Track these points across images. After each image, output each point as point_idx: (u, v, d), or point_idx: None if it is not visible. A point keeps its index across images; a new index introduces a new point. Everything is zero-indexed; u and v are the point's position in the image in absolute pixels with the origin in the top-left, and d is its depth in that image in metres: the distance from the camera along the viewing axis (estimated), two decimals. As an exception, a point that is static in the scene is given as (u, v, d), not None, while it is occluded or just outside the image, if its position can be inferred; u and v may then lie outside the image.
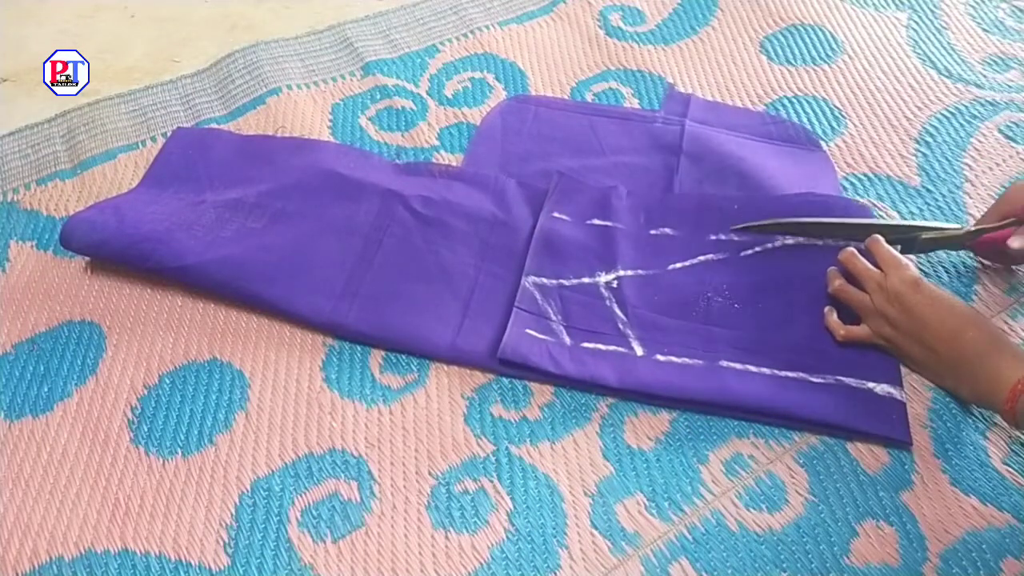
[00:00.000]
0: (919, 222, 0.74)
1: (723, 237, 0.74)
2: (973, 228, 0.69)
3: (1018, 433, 0.61)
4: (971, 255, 0.73)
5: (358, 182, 0.78)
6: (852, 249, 0.67)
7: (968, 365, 0.59)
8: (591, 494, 0.60)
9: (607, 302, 0.70)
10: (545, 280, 0.71)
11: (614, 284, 0.71)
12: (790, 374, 0.64)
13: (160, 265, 0.71)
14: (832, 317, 0.66)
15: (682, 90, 0.91)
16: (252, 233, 0.74)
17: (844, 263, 0.67)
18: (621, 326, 0.68)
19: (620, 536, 0.57)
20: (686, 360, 0.66)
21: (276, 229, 0.74)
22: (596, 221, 0.75)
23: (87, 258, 0.75)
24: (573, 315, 0.69)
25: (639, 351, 0.66)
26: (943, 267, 0.73)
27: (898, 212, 0.77)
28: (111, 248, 0.72)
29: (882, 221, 0.74)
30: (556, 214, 0.76)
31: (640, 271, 0.72)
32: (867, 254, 0.67)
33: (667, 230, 0.75)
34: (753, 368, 0.65)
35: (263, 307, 0.70)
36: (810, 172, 0.81)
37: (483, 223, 0.76)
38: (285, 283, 0.70)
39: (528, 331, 0.67)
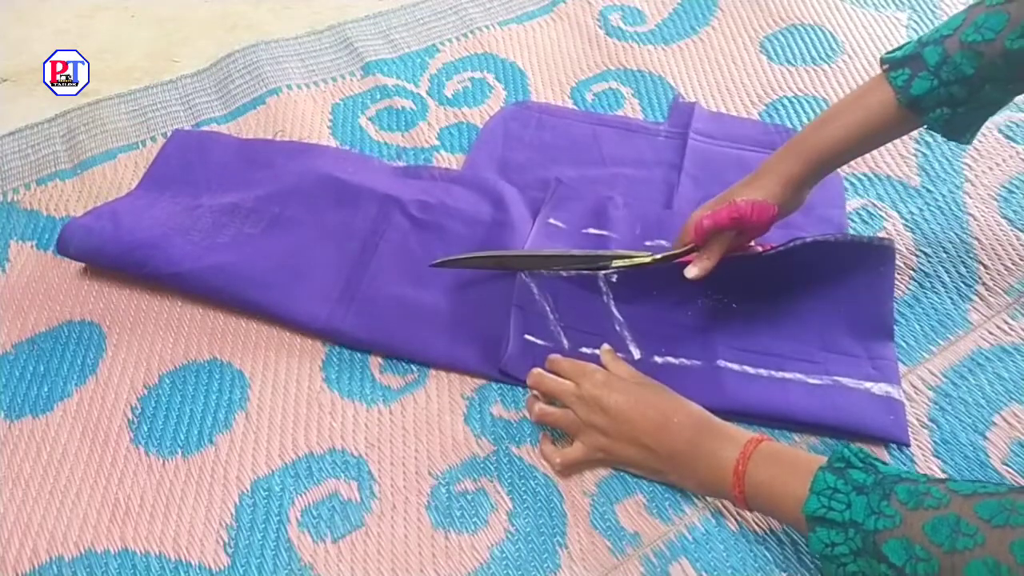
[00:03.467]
0: (607, 251, 0.71)
1: None
2: (659, 256, 0.66)
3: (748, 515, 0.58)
4: (973, 256, 0.73)
5: (355, 187, 0.78)
6: (538, 370, 0.62)
7: (683, 456, 0.55)
8: (591, 494, 0.59)
9: (604, 298, 0.69)
10: (542, 271, 0.69)
11: (613, 279, 0.70)
12: (788, 375, 0.64)
13: (157, 271, 0.71)
14: (546, 446, 0.61)
15: (684, 97, 0.90)
16: (249, 239, 0.74)
17: (536, 386, 0.61)
18: (618, 328, 0.68)
19: (620, 536, 0.57)
20: (684, 361, 0.66)
21: (273, 234, 0.74)
22: (592, 230, 0.75)
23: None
24: (570, 313, 0.68)
25: (636, 354, 0.66)
26: (943, 267, 0.73)
27: (898, 212, 0.77)
28: (108, 254, 0.72)
29: (574, 252, 0.70)
30: (552, 220, 0.76)
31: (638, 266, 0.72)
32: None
33: (663, 242, 0.74)
34: (751, 369, 0.65)
35: (260, 312, 0.70)
36: None
37: (480, 227, 0.75)
38: (282, 289, 0.70)
39: (527, 336, 0.67)
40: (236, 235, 0.74)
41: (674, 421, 0.56)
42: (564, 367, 0.62)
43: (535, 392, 0.62)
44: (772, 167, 0.63)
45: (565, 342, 0.67)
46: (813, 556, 0.55)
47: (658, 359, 0.66)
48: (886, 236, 0.75)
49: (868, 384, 0.63)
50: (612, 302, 0.69)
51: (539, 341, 0.67)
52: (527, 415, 0.63)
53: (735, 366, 0.65)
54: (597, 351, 0.66)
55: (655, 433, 0.56)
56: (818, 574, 0.55)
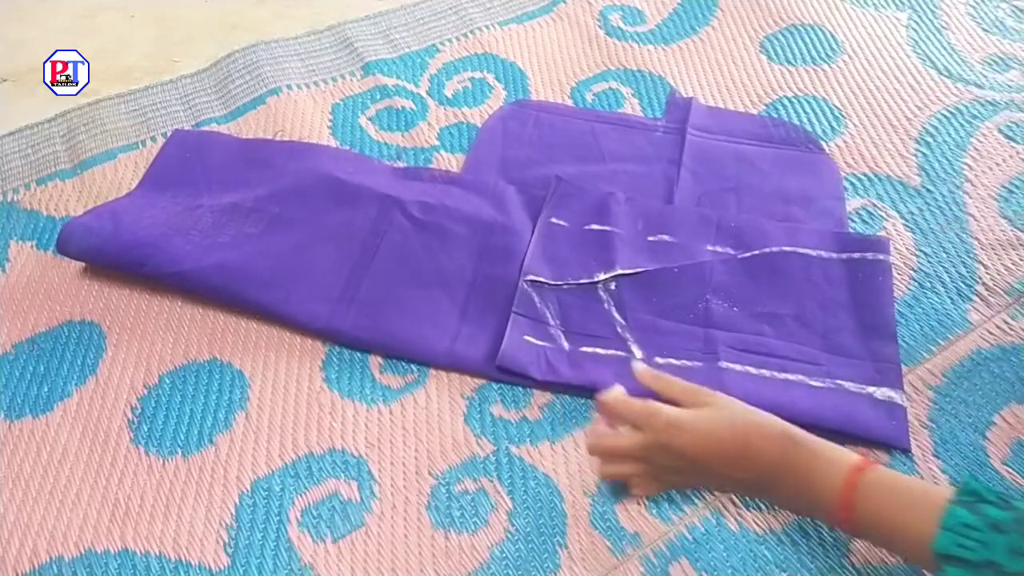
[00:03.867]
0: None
1: (719, 248, 0.73)
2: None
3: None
4: (973, 256, 0.73)
5: (356, 187, 0.78)
6: (593, 436, 0.57)
7: (768, 479, 0.51)
8: (591, 494, 0.59)
9: (605, 305, 0.70)
10: (543, 281, 0.71)
11: (612, 286, 0.71)
12: (790, 376, 0.64)
13: (157, 270, 0.71)
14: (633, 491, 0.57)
15: (682, 94, 0.91)
16: (249, 238, 0.74)
17: (597, 452, 0.57)
18: (619, 329, 0.68)
19: (620, 536, 0.57)
20: (685, 362, 0.66)
21: (273, 234, 0.74)
22: (594, 226, 0.75)
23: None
24: (571, 319, 0.69)
25: (638, 354, 0.66)
26: (943, 267, 0.73)
27: (898, 212, 0.77)
28: (108, 254, 0.72)
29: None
30: (554, 219, 0.76)
31: (638, 273, 0.72)
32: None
33: (665, 237, 0.74)
34: (753, 370, 0.65)
35: (260, 312, 0.70)
36: (810, 180, 0.80)
37: (481, 228, 0.75)
38: (282, 288, 0.70)
39: (526, 337, 0.67)
40: (236, 235, 0.74)
41: (753, 446, 0.51)
42: (620, 410, 0.56)
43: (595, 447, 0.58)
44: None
45: (565, 344, 0.67)
46: None
47: (660, 360, 0.66)
48: (884, 235, 0.74)
49: (871, 388, 0.63)
50: (612, 308, 0.69)
51: (538, 342, 0.67)
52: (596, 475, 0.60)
53: (737, 367, 0.65)
54: (599, 350, 0.66)
55: (734, 463, 0.51)
56: (818, 574, 0.55)
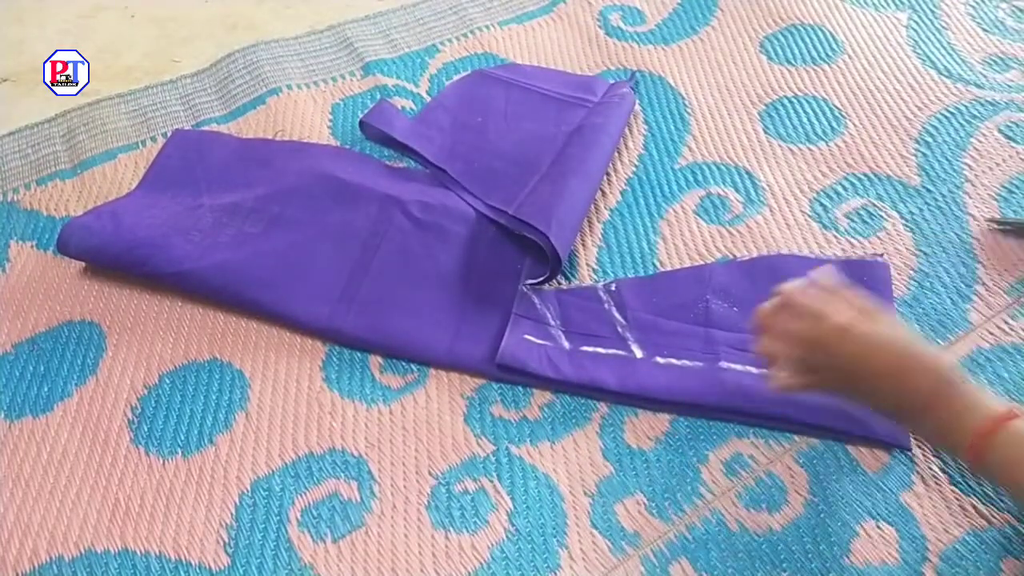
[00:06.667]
0: None
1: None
2: None
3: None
4: (973, 256, 0.73)
5: (356, 187, 0.78)
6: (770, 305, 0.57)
7: (918, 410, 0.52)
8: (591, 494, 0.59)
9: (606, 305, 0.70)
10: (543, 285, 0.71)
11: (612, 287, 0.71)
12: None
13: (157, 270, 0.71)
14: (777, 373, 0.55)
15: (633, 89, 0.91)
16: (249, 238, 0.74)
17: (762, 316, 0.56)
18: (620, 329, 0.68)
19: (620, 536, 0.57)
20: (686, 362, 0.66)
21: (274, 234, 0.74)
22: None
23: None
24: (571, 318, 0.69)
25: (639, 353, 0.66)
26: (943, 267, 0.73)
27: (898, 212, 0.77)
28: (108, 253, 0.72)
29: None
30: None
31: (639, 274, 0.72)
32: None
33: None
34: (754, 370, 0.64)
35: (260, 312, 0.70)
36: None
37: (481, 229, 0.75)
38: (282, 288, 0.70)
39: (527, 336, 0.67)
40: (237, 234, 0.74)
41: (909, 373, 0.52)
42: (797, 298, 0.55)
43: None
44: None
45: (566, 344, 0.67)
46: None
47: (660, 360, 0.66)
48: (882, 257, 0.73)
49: None
50: (613, 308, 0.69)
51: (538, 341, 0.67)
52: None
53: (738, 367, 0.65)
54: (600, 350, 0.66)
55: (886, 384, 0.52)
56: (820, 573, 0.55)
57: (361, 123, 0.85)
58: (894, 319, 0.55)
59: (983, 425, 0.49)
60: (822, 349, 0.53)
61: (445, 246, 0.74)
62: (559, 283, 0.72)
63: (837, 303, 0.54)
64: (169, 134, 0.86)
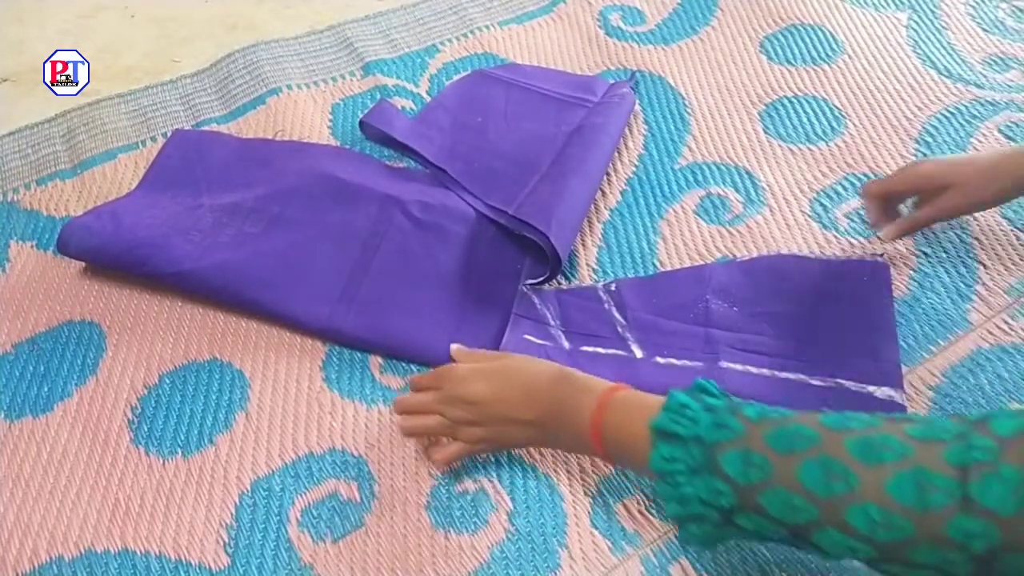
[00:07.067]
0: None
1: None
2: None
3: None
4: (973, 256, 0.73)
5: (356, 186, 0.78)
6: (398, 396, 0.63)
7: (552, 418, 0.54)
8: (591, 494, 0.59)
9: (606, 305, 0.70)
10: (543, 285, 0.71)
11: (612, 287, 0.71)
12: (790, 376, 0.64)
13: (157, 270, 0.71)
14: (429, 448, 0.61)
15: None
16: (249, 238, 0.74)
17: (400, 410, 0.61)
18: (620, 329, 0.68)
19: (620, 536, 0.57)
20: (686, 362, 0.66)
21: (274, 234, 0.74)
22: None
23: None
24: (571, 319, 0.69)
25: (638, 353, 0.66)
26: (943, 267, 0.73)
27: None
28: (108, 253, 0.72)
29: None
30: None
31: (639, 274, 0.72)
32: None
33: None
34: (753, 369, 0.65)
35: (260, 312, 0.70)
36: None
37: (481, 228, 0.75)
38: (282, 288, 0.70)
39: (526, 336, 0.67)
40: (237, 235, 0.74)
41: (537, 385, 0.55)
42: (423, 382, 0.60)
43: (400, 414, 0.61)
44: (1003, 154, 0.66)
45: (566, 344, 0.67)
46: (653, 476, 0.50)
47: (660, 360, 0.66)
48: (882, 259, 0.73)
49: (871, 388, 0.63)
50: (613, 308, 0.69)
51: (538, 341, 0.67)
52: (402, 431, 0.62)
53: (737, 366, 0.65)
54: (599, 350, 0.66)
55: (523, 406, 0.55)
56: (819, 572, 0.55)
57: (361, 123, 0.85)
58: (513, 354, 0.60)
59: (595, 408, 0.51)
60: (455, 400, 0.56)
61: (445, 246, 0.74)
62: (559, 283, 0.72)
63: (451, 364, 0.59)
64: (169, 134, 0.86)
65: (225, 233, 0.74)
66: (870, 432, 0.40)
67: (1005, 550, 0.35)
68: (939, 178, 0.67)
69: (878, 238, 0.71)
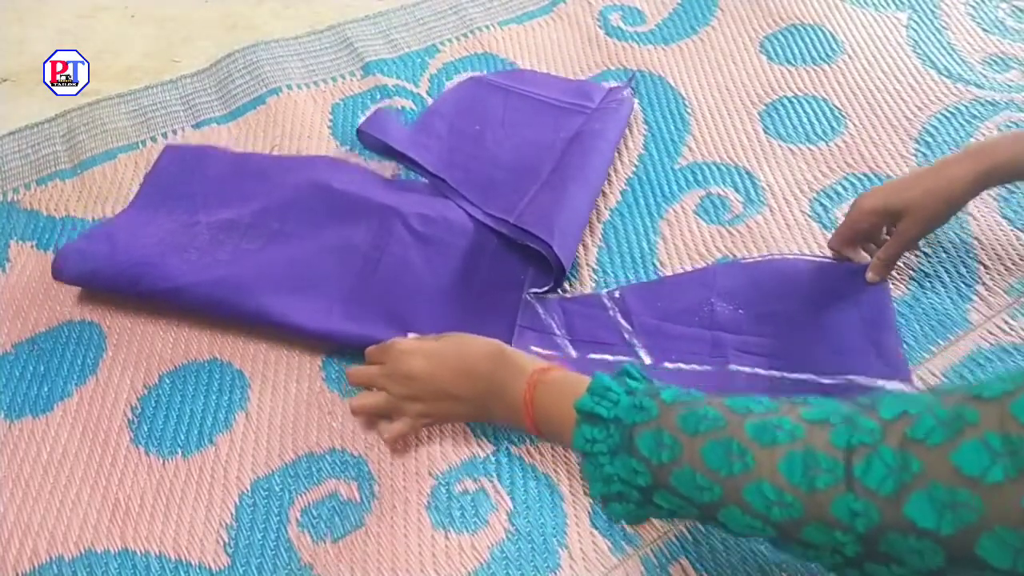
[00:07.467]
0: None
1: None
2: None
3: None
4: (973, 256, 0.73)
5: (355, 199, 0.77)
6: (348, 368, 0.65)
7: (488, 393, 0.57)
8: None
9: (610, 312, 0.69)
10: (547, 294, 0.70)
11: (616, 295, 0.71)
12: (800, 376, 0.64)
13: (153, 288, 0.68)
14: (379, 424, 0.62)
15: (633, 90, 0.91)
16: (248, 255, 0.72)
17: (351, 382, 0.64)
18: (627, 335, 0.68)
19: (620, 536, 0.57)
20: (695, 367, 0.65)
21: (273, 250, 0.73)
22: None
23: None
24: (576, 327, 0.68)
25: (647, 359, 0.66)
26: (943, 267, 0.73)
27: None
28: (104, 276, 0.70)
29: None
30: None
31: (639, 274, 0.72)
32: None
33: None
34: (763, 371, 0.64)
35: (262, 327, 0.68)
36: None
37: (483, 240, 0.74)
38: (283, 304, 0.68)
39: (532, 348, 0.66)
40: (235, 251, 0.72)
41: (473, 363, 0.57)
42: (371, 353, 0.63)
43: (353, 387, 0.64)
44: (942, 162, 0.66)
45: (572, 352, 0.67)
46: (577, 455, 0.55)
47: (669, 365, 0.65)
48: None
49: (881, 382, 0.62)
50: (618, 314, 0.69)
51: (544, 351, 0.67)
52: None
53: (747, 369, 0.64)
54: (607, 357, 0.66)
55: (461, 380, 0.57)
56: (819, 572, 0.55)
57: (358, 131, 0.85)
58: (455, 333, 0.61)
59: (526, 388, 0.53)
60: (397, 377, 0.59)
61: (447, 259, 0.73)
62: (562, 290, 0.72)
63: (392, 340, 0.62)
64: (169, 135, 0.86)
65: (223, 251, 0.73)
66: (768, 415, 0.42)
67: (887, 529, 0.36)
68: (886, 210, 0.67)
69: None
